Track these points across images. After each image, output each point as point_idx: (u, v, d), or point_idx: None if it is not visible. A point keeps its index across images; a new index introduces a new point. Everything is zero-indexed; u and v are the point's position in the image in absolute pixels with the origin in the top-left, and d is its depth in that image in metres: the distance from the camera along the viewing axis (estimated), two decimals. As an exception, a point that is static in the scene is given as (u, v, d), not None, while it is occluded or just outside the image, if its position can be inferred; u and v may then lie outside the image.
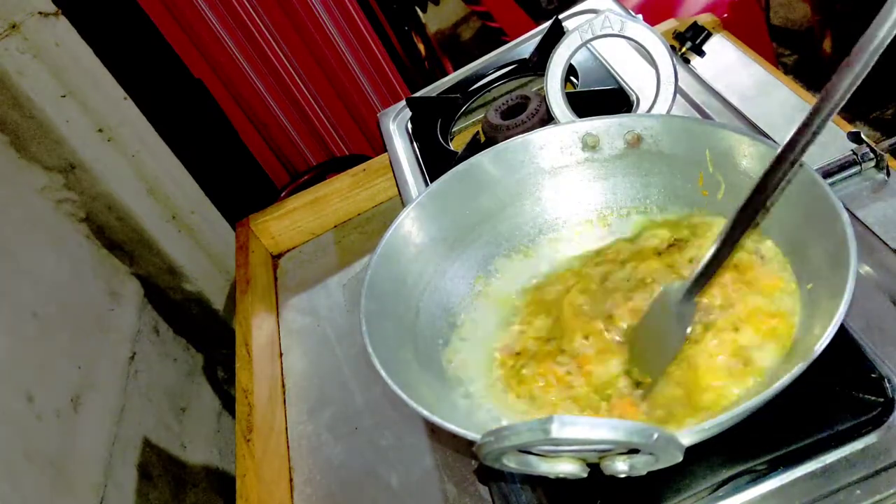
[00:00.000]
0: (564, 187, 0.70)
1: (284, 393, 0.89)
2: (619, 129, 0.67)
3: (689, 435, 0.44)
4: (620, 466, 0.44)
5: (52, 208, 1.22)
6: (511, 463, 0.45)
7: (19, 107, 1.18)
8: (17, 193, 1.16)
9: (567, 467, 0.45)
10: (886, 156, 0.69)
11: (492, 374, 0.62)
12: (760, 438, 0.52)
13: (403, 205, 0.83)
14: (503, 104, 0.86)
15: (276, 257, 1.12)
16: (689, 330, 0.56)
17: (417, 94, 1.01)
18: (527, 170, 0.70)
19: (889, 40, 0.44)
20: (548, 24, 0.98)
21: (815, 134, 0.46)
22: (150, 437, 1.17)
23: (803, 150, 0.47)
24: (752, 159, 0.60)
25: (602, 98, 0.83)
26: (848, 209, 0.50)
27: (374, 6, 1.68)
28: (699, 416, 0.53)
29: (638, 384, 0.57)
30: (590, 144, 0.68)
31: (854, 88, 0.45)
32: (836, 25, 2.00)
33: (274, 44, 1.59)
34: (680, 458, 0.43)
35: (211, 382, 1.41)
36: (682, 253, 0.63)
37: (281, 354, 0.94)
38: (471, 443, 0.45)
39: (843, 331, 0.54)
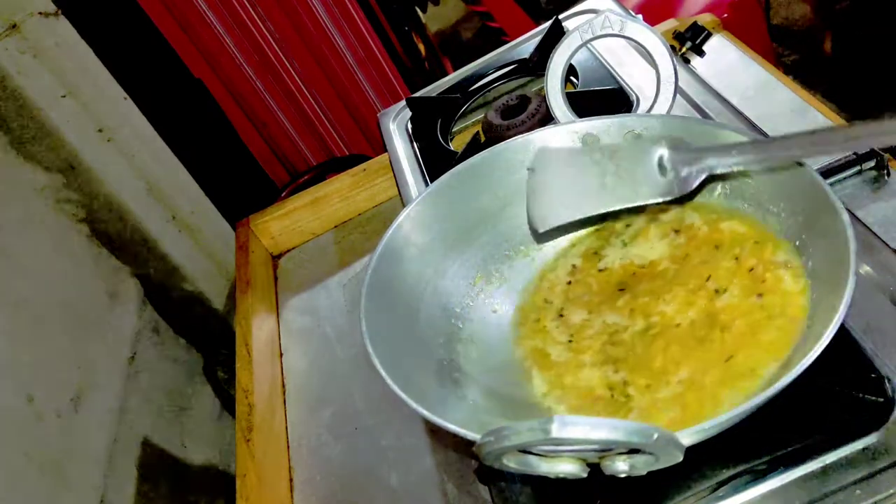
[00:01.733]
0: (564, 187, 0.70)
1: (284, 393, 0.89)
2: (619, 129, 0.67)
3: (689, 435, 0.44)
4: (620, 466, 0.44)
5: (52, 208, 1.22)
6: (511, 463, 0.45)
7: (19, 107, 1.18)
8: (17, 193, 1.16)
9: (567, 467, 0.45)
10: (886, 156, 0.69)
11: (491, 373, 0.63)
12: (760, 438, 0.52)
13: (403, 205, 0.83)
14: (503, 104, 0.86)
15: (276, 257, 1.12)
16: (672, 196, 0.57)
17: (417, 94, 1.01)
18: (527, 170, 0.70)
19: None
20: (548, 24, 0.98)
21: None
22: (150, 437, 1.17)
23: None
24: (752, 159, 0.60)
25: (602, 98, 0.83)
26: (848, 209, 0.50)
27: (374, 6, 1.67)
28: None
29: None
30: (590, 144, 0.68)
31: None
32: (836, 25, 2.00)
33: (274, 44, 1.59)
34: (680, 458, 0.43)
35: (211, 382, 1.41)
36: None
37: (281, 354, 0.94)
38: (471, 443, 0.45)
39: (843, 331, 0.54)
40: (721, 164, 0.56)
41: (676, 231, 0.65)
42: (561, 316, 0.65)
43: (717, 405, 0.51)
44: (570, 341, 0.62)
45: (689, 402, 0.53)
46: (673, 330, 0.58)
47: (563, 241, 0.70)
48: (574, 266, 0.68)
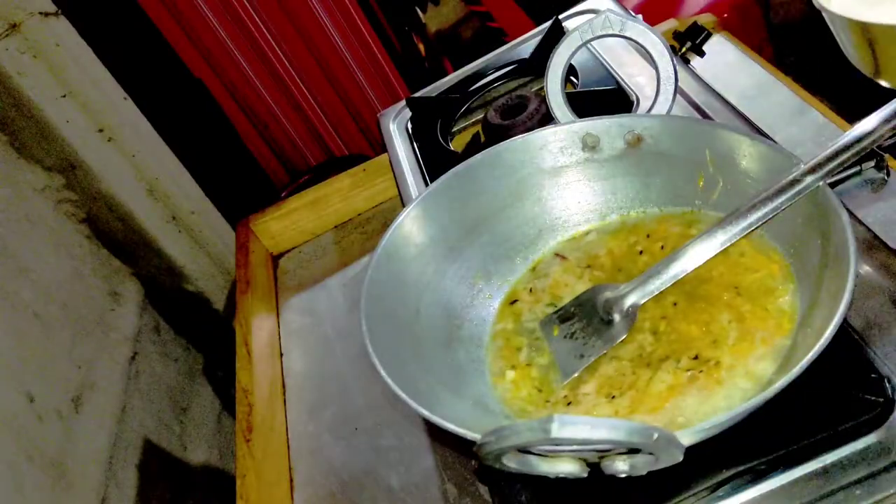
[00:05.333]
0: (564, 187, 0.70)
1: (284, 393, 0.89)
2: (619, 129, 0.67)
3: (689, 435, 0.44)
4: (620, 466, 0.44)
5: (52, 208, 1.22)
6: (511, 463, 0.45)
7: (19, 107, 1.18)
8: (17, 193, 1.16)
9: (567, 467, 0.45)
10: (886, 156, 0.68)
11: (492, 373, 0.63)
12: (760, 438, 0.52)
13: (403, 205, 0.83)
14: (503, 104, 0.86)
15: (276, 257, 1.12)
16: (622, 337, 0.59)
17: (417, 94, 1.01)
18: (527, 170, 0.70)
19: None
20: (548, 24, 0.98)
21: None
22: (151, 438, 1.17)
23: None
24: (751, 159, 0.60)
25: (602, 98, 0.83)
26: (848, 209, 0.50)
27: (374, 6, 1.68)
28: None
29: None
30: (590, 144, 0.68)
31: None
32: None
33: (274, 44, 1.59)
34: (680, 458, 0.43)
35: (211, 382, 1.41)
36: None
37: (281, 354, 0.94)
38: (471, 443, 0.45)
39: (843, 331, 0.54)
40: (644, 295, 0.59)
41: None
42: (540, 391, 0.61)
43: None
44: (569, 404, 0.59)
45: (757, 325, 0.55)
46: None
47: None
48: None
